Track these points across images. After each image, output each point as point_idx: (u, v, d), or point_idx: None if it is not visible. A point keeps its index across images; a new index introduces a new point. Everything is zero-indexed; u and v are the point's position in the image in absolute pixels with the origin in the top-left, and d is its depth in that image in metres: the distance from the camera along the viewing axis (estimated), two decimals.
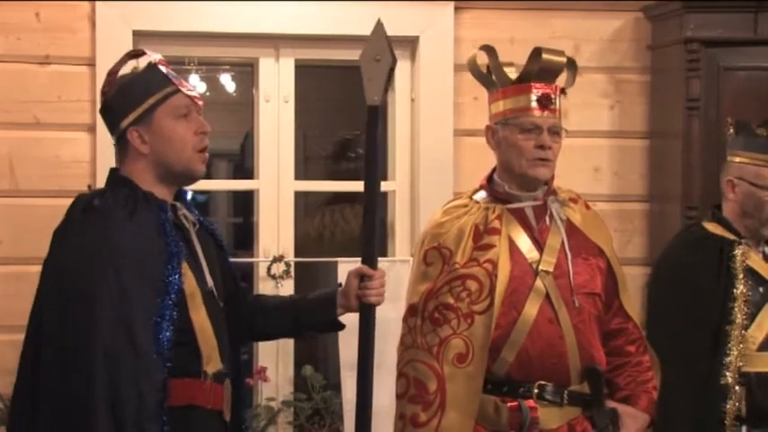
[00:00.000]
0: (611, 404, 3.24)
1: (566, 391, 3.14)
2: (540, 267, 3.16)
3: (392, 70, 2.96)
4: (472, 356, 3.07)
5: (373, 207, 2.95)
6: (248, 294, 3.14)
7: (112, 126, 2.85)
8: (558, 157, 3.21)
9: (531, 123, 3.17)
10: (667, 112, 4.48)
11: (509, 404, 3.12)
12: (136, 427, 2.60)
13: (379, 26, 2.97)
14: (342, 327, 3.06)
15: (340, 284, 3.04)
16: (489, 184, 3.28)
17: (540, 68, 3.17)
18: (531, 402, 3.12)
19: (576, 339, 3.14)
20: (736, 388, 3.39)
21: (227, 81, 6.84)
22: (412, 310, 3.15)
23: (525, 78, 3.20)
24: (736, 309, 3.42)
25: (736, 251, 3.48)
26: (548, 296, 3.14)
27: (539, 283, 3.15)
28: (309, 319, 3.03)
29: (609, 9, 4.58)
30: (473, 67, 3.28)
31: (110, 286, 2.64)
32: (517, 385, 3.13)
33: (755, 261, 3.51)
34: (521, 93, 3.19)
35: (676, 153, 4.37)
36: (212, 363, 2.79)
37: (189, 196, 2.99)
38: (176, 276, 2.71)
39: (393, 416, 3.19)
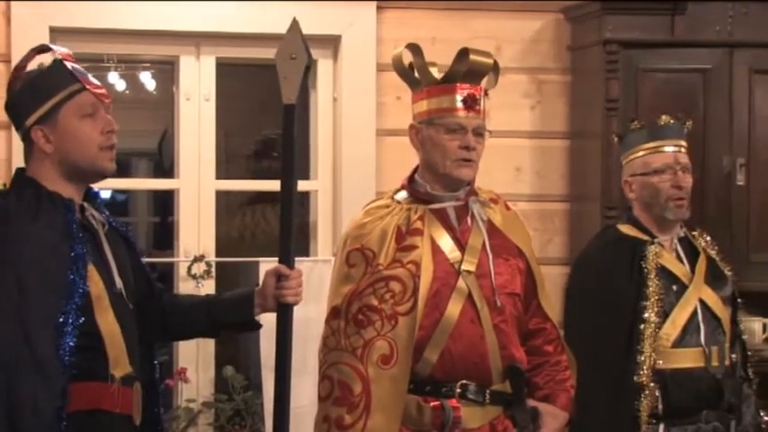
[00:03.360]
0: (531, 403, 3.24)
1: (488, 391, 3.14)
2: (463, 267, 3.16)
3: (308, 68, 2.93)
4: (397, 358, 3.06)
5: (290, 206, 2.93)
6: (164, 294, 3.09)
7: (17, 124, 2.78)
8: (480, 157, 3.22)
9: (456, 124, 3.17)
10: (587, 113, 4.53)
11: (432, 404, 3.11)
12: None
13: (294, 24, 2.95)
14: (259, 326, 3.03)
15: (258, 284, 3.01)
16: (411, 184, 3.27)
17: (467, 69, 3.18)
18: (453, 402, 3.11)
19: (498, 339, 3.15)
20: (651, 385, 3.42)
21: (147, 79, 6.75)
22: (335, 312, 3.13)
23: (451, 78, 3.20)
24: (648, 307, 3.45)
25: (649, 251, 3.52)
26: (470, 296, 3.14)
27: (461, 283, 3.15)
28: (226, 318, 2.99)
29: (530, 10, 4.61)
30: (398, 65, 3.27)
31: (9, 290, 2.58)
32: (440, 385, 3.13)
33: (668, 260, 3.55)
34: (446, 93, 3.19)
35: (596, 153, 4.41)
36: (120, 366, 2.74)
37: (107, 195, 2.93)
38: (81, 279, 2.65)
39: (314, 417, 3.17)
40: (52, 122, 2.73)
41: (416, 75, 3.25)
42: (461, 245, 3.19)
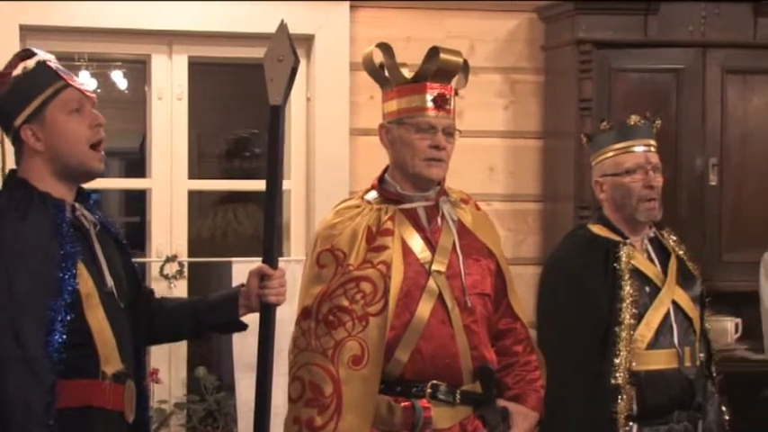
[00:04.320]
0: (501, 403, 3.25)
1: (458, 391, 3.14)
2: (433, 268, 3.15)
3: (294, 70, 2.93)
4: (368, 359, 3.05)
5: (275, 207, 2.93)
6: (151, 296, 3.11)
7: (6, 127, 2.83)
8: (450, 157, 3.22)
9: (427, 123, 3.16)
10: (560, 113, 4.53)
11: (402, 404, 3.11)
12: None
13: (282, 26, 2.95)
14: (244, 327, 3.03)
15: (242, 285, 3.01)
16: (381, 184, 3.26)
17: (438, 68, 3.17)
18: (424, 402, 3.11)
19: (468, 339, 3.14)
20: (628, 387, 3.43)
21: (119, 78, 6.73)
22: (305, 313, 3.12)
23: (421, 78, 3.19)
24: (623, 309, 3.45)
25: (622, 252, 3.52)
26: (440, 296, 3.14)
27: (431, 283, 3.14)
28: (211, 319, 3.00)
29: (503, 9, 4.61)
30: (368, 64, 3.26)
31: None
32: (410, 385, 3.12)
33: (640, 261, 3.55)
34: (416, 92, 3.18)
35: (569, 153, 4.42)
36: (111, 363, 2.76)
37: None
38: (70, 277, 2.68)
39: (283, 417, 3.16)
40: (40, 120, 2.77)
41: (387, 74, 3.24)
42: (432, 245, 3.19)
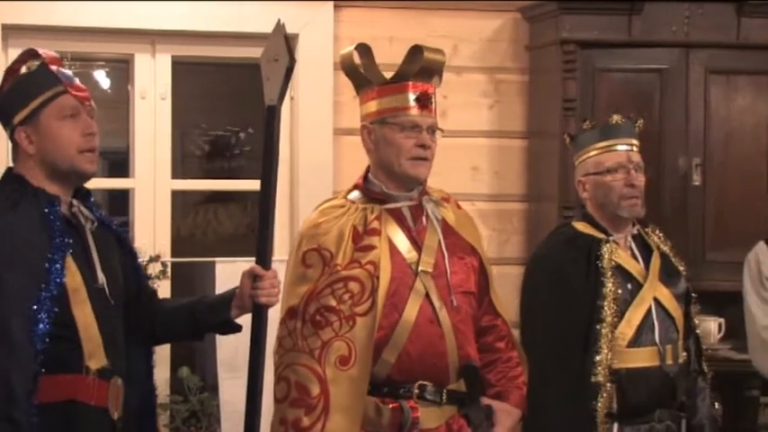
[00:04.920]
0: (484, 401, 3.25)
1: (445, 390, 3.14)
2: (420, 267, 3.15)
3: (290, 71, 2.93)
4: (355, 359, 3.04)
5: (269, 207, 2.93)
6: (154, 296, 3.15)
7: (5, 124, 2.87)
8: (434, 156, 3.21)
9: (411, 122, 3.16)
10: (545, 113, 4.53)
11: (390, 405, 3.10)
12: (5, 419, 2.59)
13: (278, 27, 2.96)
14: (239, 328, 3.03)
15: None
16: (365, 183, 3.25)
17: (421, 67, 3.16)
18: (411, 402, 3.10)
19: (455, 338, 3.15)
20: (608, 385, 3.43)
21: (102, 77, 6.71)
22: (291, 313, 3.10)
23: (403, 77, 3.18)
24: (605, 307, 3.46)
25: (604, 249, 3.52)
26: (427, 296, 3.14)
27: (418, 283, 3.14)
28: (207, 320, 3.03)
29: (488, 9, 4.61)
30: (348, 65, 3.24)
31: None
32: (397, 386, 3.11)
33: (623, 258, 3.56)
34: (399, 91, 3.18)
35: (553, 153, 4.42)
36: (96, 359, 2.78)
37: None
38: (57, 270, 2.71)
39: (268, 418, 3.14)
40: (34, 123, 2.81)
41: (366, 75, 3.22)
42: (418, 245, 3.18)
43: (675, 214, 4.44)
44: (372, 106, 3.21)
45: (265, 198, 2.94)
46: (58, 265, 2.71)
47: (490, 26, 4.62)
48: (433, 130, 3.19)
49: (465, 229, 3.32)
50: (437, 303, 3.14)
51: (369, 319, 3.06)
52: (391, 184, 3.21)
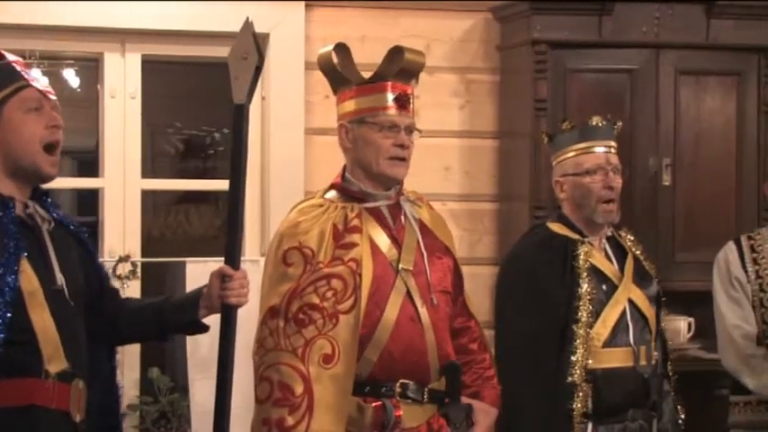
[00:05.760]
0: (464, 400, 3.25)
1: (426, 389, 3.14)
2: (401, 266, 3.15)
3: (259, 69, 2.92)
4: (339, 357, 3.03)
5: (238, 207, 2.91)
6: (116, 297, 3.10)
7: None
8: (411, 156, 3.21)
9: (390, 122, 3.16)
10: (516, 113, 4.54)
11: (373, 404, 3.09)
12: None
13: (247, 24, 2.94)
14: (206, 328, 3.01)
15: (206, 286, 2.99)
16: (342, 183, 3.25)
17: (401, 68, 3.17)
18: (393, 401, 3.10)
19: (435, 337, 3.15)
20: (584, 385, 3.44)
21: (71, 76, 6.67)
22: (273, 312, 3.08)
23: (382, 77, 3.18)
24: (581, 307, 3.47)
25: (580, 250, 3.54)
26: (408, 295, 3.14)
27: (399, 281, 3.14)
28: (173, 320, 2.99)
29: (459, 9, 4.61)
30: (326, 64, 3.23)
31: None
32: (380, 385, 3.11)
33: (598, 259, 3.57)
34: (377, 91, 3.17)
35: (524, 153, 4.42)
36: (55, 362, 2.74)
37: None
38: (11, 275, 2.66)
39: (242, 419, 3.13)
40: None
41: (344, 74, 3.22)
42: (398, 243, 3.18)
43: (646, 214, 4.45)
44: (350, 105, 3.20)
45: (234, 198, 2.92)
46: (11, 270, 2.66)
47: (461, 26, 4.62)
48: (410, 130, 3.20)
49: (439, 229, 3.33)
50: (418, 302, 3.14)
51: (352, 316, 3.06)
52: (369, 183, 3.20)
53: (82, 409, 2.81)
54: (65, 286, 2.80)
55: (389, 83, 3.17)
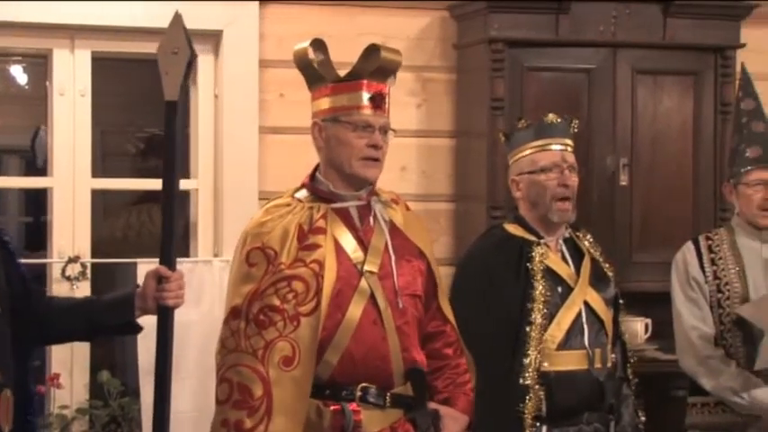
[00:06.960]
0: (432, 406, 3.23)
1: (388, 394, 3.11)
2: (365, 268, 3.11)
3: (191, 64, 2.87)
4: (299, 360, 3.00)
5: (171, 206, 2.88)
6: (42, 296, 3.02)
7: None
8: (385, 157, 3.17)
9: (364, 122, 3.12)
10: (472, 112, 4.53)
11: (331, 407, 3.07)
12: None
13: (177, 18, 2.88)
14: (139, 329, 2.98)
15: (138, 285, 2.96)
16: (312, 182, 3.20)
17: (377, 67, 3.13)
18: (353, 405, 3.07)
19: (399, 341, 3.11)
20: (536, 387, 3.42)
21: (19, 73, 6.62)
22: (235, 313, 3.05)
23: (357, 75, 3.14)
24: (534, 309, 3.46)
25: (535, 252, 3.52)
26: (372, 297, 3.10)
27: (363, 283, 3.10)
28: (104, 320, 2.94)
29: (415, 7, 4.60)
30: (302, 60, 3.18)
31: None
32: (340, 388, 3.08)
33: (554, 261, 3.56)
34: (353, 90, 3.13)
35: (481, 153, 4.42)
36: None
37: None
38: None
39: (195, 422, 3.08)
40: None
41: (320, 71, 3.17)
42: (364, 245, 3.15)
43: (603, 214, 4.46)
44: (325, 103, 3.16)
45: (167, 197, 2.88)
46: None
47: (418, 24, 4.61)
48: (385, 130, 3.17)
49: (413, 231, 3.29)
50: (382, 305, 3.10)
51: (313, 319, 3.02)
52: (340, 183, 3.16)
53: (10, 419, 2.75)
54: None
55: (365, 82, 3.13)
